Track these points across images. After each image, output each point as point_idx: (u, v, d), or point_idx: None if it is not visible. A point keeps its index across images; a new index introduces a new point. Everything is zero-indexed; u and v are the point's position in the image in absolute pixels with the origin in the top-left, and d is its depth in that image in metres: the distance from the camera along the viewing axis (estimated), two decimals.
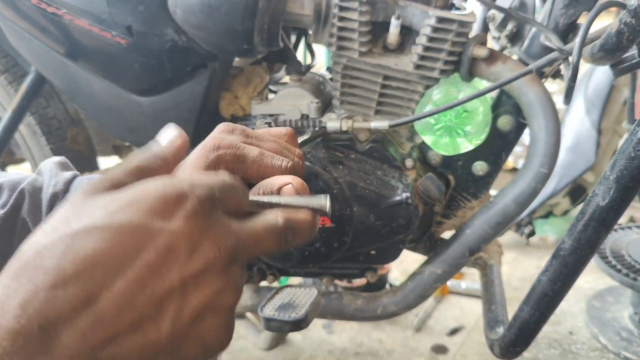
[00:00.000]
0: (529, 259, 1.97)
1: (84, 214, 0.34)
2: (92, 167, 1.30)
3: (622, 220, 2.02)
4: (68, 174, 0.60)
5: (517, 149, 2.12)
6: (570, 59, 0.72)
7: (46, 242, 0.33)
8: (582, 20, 0.83)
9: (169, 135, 0.44)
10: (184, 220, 0.35)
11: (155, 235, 0.34)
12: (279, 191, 0.50)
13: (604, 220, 0.62)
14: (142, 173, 0.39)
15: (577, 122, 1.83)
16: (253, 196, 0.45)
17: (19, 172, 0.62)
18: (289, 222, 0.41)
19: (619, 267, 1.44)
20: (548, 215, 2.05)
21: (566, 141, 1.86)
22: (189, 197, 0.35)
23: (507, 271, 1.87)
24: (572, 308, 1.66)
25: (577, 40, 0.68)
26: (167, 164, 0.42)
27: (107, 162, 1.48)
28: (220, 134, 0.55)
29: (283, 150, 0.56)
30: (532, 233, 2.06)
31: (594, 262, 1.50)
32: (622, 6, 0.72)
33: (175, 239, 0.34)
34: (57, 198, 0.57)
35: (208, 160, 0.52)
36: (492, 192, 1.03)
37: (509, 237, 2.07)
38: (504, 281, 1.74)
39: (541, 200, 1.93)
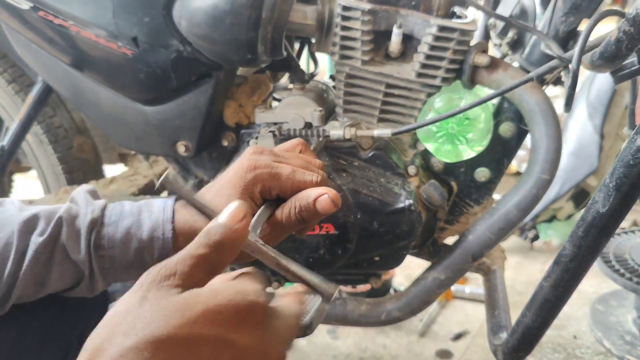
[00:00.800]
0: (533, 263, 1.98)
1: (162, 317, 0.38)
2: (98, 175, 1.32)
3: (626, 224, 2.02)
4: (101, 202, 0.63)
5: (521, 152, 2.14)
6: (570, 66, 0.73)
7: (130, 345, 0.36)
8: (583, 27, 0.84)
9: (232, 216, 0.46)
10: (254, 331, 0.40)
11: (230, 346, 0.39)
12: (315, 202, 0.57)
13: (605, 227, 0.62)
14: (209, 265, 0.43)
15: (579, 127, 1.84)
16: (281, 257, 0.50)
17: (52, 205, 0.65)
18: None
19: (622, 271, 1.44)
20: (552, 219, 2.06)
21: (569, 145, 1.86)
22: (256, 310, 0.41)
23: (511, 276, 1.88)
24: (576, 312, 1.66)
25: (577, 49, 0.69)
26: (229, 253, 0.45)
27: (113, 170, 1.49)
28: (253, 155, 0.61)
29: (308, 165, 0.63)
30: (535, 237, 2.07)
31: (597, 266, 1.50)
32: (621, 14, 0.73)
33: (247, 350, 0.40)
34: (95, 224, 0.60)
35: (246, 180, 0.59)
36: (496, 196, 1.04)
37: (512, 241, 2.07)
38: (508, 286, 1.74)
39: (544, 205, 1.93)
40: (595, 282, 1.78)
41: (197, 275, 0.42)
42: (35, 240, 0.58)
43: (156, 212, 0.62)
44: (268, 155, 0.62)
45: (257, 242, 0.50)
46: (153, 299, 0.39)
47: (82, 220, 0.60)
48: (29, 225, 0.59)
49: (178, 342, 0.37)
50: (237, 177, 0.60)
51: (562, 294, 0.70)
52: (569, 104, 0.72)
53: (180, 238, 0.61)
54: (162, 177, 0.48)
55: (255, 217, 0.59)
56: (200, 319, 0.38)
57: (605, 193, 0.61)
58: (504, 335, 0.88)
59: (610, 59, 0.76)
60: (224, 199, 0.59)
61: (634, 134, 0.58)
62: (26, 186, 2.14)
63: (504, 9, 1.07)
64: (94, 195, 0.65)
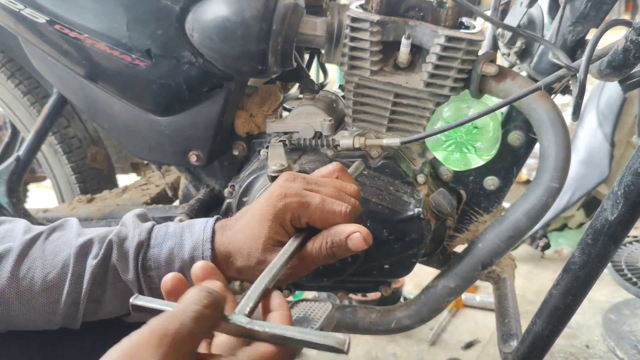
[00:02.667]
0: (544, 272, 1.97)
1: None
2: (112, 184, 1.34)
3: (638, 232, 2.01)
4: (148, 224, 0.67)
5: (531, 161, 2.15)
6: (577, 75, 0.73)
7: None
8: (591, 36, 0.85)
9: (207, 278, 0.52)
10: None
11: None
12: (347, 239, 0.59)
13: (613, 235, 0.63)
14: (210, 322, 0.45)
15: (590, 135, 1.84)
16: (275, 329, 0.49)
17: (109, 228, 0.69)
18: None
19: (634, 279, 1.44)
20: (563, 227, 2.05)
21: (579, 154, 1.86)
22: None
23: (522, 284, 1.87)
24: (588, 321, 1.65)
25: (584, 58, 0.70)
26: (221, 309, 0.47)
27: (126, 179, 1.51)
28: (285, 183, 0.63)
29: (340, 193, 0.64)
30: (547, 246, 2.06)
31: (609, 275, 1.50)
32: (628, 24, 0.73)
33: None
34: (142, 246, 0.65)
35: (276, 208, 0.61)
36: (506, 204, 1.04)
37: (523, 250, 2.06)
38: (518, 295, 1.74)
39: (555, 213, 1.93)
40: (608, 290, 1.77)
41: (201, 330, 0.43)
42: (91, 263, 0.63)
43: (197, 232, 0.65)
44: (300, 182, 0.63)
45: (244, 324, 0.49)
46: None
47: (130, 242, 0.64)
48: (84, 250, 0.64)
49: None
50: (268, 205, 0.61)
51: (572, 301, 0.70)
52: (576, 112, 0.73)
53: (219, 258, 0.64)
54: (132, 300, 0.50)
55: (284, 248, 0.60)
56: None
57: (613, 201, 0.61)
58: (514, 344, 0.88)
59: (618, 68, 0.76)
60: (256, 225, 0.62)
61: None
62: (40, 195, 2.16)
63: (512, 19, 1.08)
64: (143, 218, 0.69)
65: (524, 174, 2.41)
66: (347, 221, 0.61)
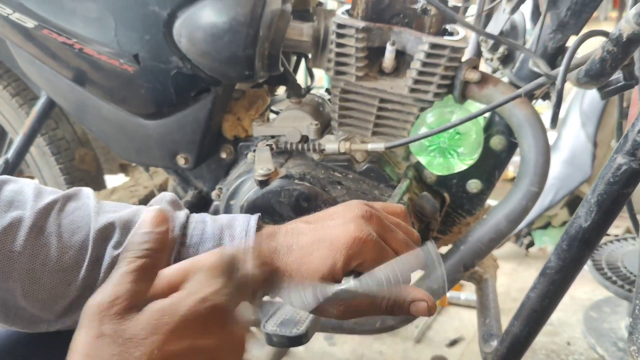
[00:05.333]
0: (528, 269, 2.00)
1: (132, 350, 0.38)
2: (100, 185, 1.34)
3: (619, 231, 2.05)
4: (182, 217, 0.61)
5: (517, 158, 2.19)
6: (555, 85, 0.76)
7: None
8: (571, 43, 0.87)
9: (150, 222, 0.46)
10: (219, 331, 0.43)
11: (202, 351, 0.41)
12: (410, 304, 0.55)
13: (587, 241, 0.65)
14: (145, 275, 0.43)
15: (573, 136, 1.87)
16: None
17: (125, 205, 0.63)
18: None
19: (614, 278, 1.47)
20: (547, 226, 2.08)
21: (563, 154, 1.89)
22: (216, 313, 0.42)
23: (506, 282, 1.90)
24: (569, 319, 1.69)
25: (561, 69, 0.72)
26: (160, 256, 0.45)
27: (114, 180, 1.52)
28: (364, 224, 0.57)
29: (408, 242, 0.60)
30: (531, 244, 2.09)
31: (590, 274, 1.53)
32: (605, 34, 0.76)
33: (218, 348, 0.42)
34: (174, 242, 0.59)
35: (350, 251, 0.56)
36: (493, 202, 1.06)
37: (508, 248, 2.09)
38: (502, 292, 1.77)
39: (539, 212, 1.96)
40: (589, 288, 1.80)
41: (140, 287, 0.42)
42: (111, 252, 0.58)
43: (237, 236, 0.60)
44: (376, 224, 0.59)
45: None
46: (112, 333, 0.39)
47: None
48: (104, 234, 0.58)
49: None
50: (341, 244, 0.57)
51: (549, 304, 0.72)
52: (554, 121, 0.75)
53: (257, 267, 0.58)
54: None
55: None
56: (168, 338, 0.39)
57: (587, 208, 0.64)
58: (494, 344, 0.90)
59: (595, 77, 0.79)
60: (320, 256, 0.57)
61: (614, 153, 0.61)
62: None
63: (495, 25, 1.10)
64: (176, 205, 0.62)
65: (511, 171, 2.44)
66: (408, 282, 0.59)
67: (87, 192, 0.62)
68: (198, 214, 0.63)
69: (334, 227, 0.58)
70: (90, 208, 0.60)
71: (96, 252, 0.57)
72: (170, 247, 0.48)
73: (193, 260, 0.46)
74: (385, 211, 0.64)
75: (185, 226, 0.60)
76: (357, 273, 0.58)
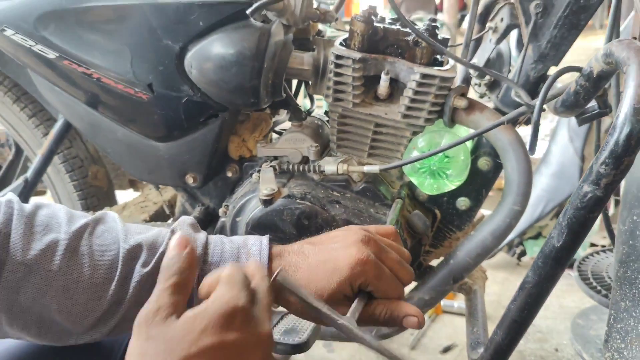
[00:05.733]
0: (519, 279, 2.05)
1: (175, 345, 0.49)
2: (111, 200, 1.42)
3: (606, 242, 2.12)
4: (202, 238, 0.68)
5: None
6: (532, 117, 0.83)
7: None
8: (552, 72, 0.94)
9: (179, 247, 0.57)
10: (242, 327, 0.52)
11: (230, 345, 0.51)
12: (404, 318, 0.66)
13: (560, 259, 0.72)
14: (181, 288, 0.54)
15: (561, 150, 1.95)
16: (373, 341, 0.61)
17: (147, 227, 0.70)
18: None
19: (599, 288, 1.54)
20: (538, 236, 2.16)
21: (552, 167, 1.97)
22: (238, 312, 0.52)
23: (498, 291, 1.98)
24: (558, 326, 1.76)
25: (537, 103, 0.80)
26: (190, 273, 0.57)
27: (124, 195, 1.59)
28: (363, 247, 0.67)
29: (401, 262, 0.71)
30: (523, 253, 2.17)
31: (576, 284, 1.60)
32: (579, 70, 0.84)
33: (243, 342, 0.52)
34: (199, 260, 0.67)
35: (354, 271, 0.65)
36: (486, 212, 1.13)
37: (500, 257, 2.17)
38: (494, 300, 1.84)
39: (530, 223, 2.04)
40: (577, 297, 1.88)
41: (177, 299, 0.53)
42: (140, 270, 0.65)
43: (253, 255, 0.68)
44: (373, 247, 0.68)
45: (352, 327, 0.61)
46: (157, 335, 0.50)
47: None
48: (133, 254, 0.65)
49: (195, 358, 0.49)
50: (345, 265, 0.65)
51: (527, 315, 0.80)
52: (532, 148, 0.82)
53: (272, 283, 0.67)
54: (276, 274, 0.61)
55: (353, 306, 0.66)
56: (202, 335, 0.50)
57: (559, 230, 0.71)
58: (480, 350, 0.97)
59: (571, 107, 0.87)
60: (327, 274, 0.66)
61: (581, 182, 0.68)
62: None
63: (483, 53, 1.18)
64: (195, 228, 0.70)
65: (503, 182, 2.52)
66: (402, 297, 0.69)
67: (113, 216, 0.70)
68: (215, 235, 0.71)
69: (338, 250, 0.67)
70: (118, 230, 0.67)
71: (125, 270, 0.65)
72: (196, 264, 0.58)
73: (215, 273, 0.57)
74: (378, 233, 0.73)
75: (205, 246, 0.68)
76: (359, 291, 0.67)
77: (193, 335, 0.49)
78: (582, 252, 1.96)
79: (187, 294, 0.55)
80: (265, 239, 0.70)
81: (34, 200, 1.68)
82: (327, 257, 0.67)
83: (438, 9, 7.68)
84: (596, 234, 2.12)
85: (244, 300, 0.53)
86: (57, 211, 0.67)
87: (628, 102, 0.63)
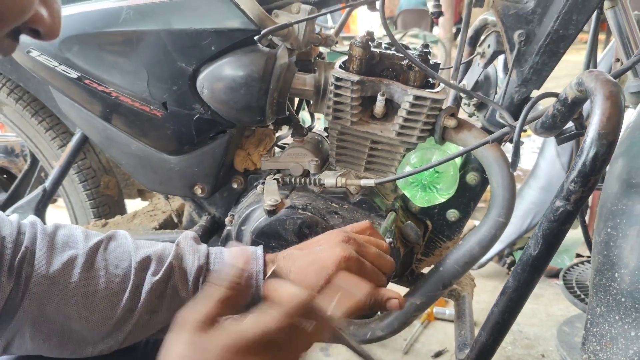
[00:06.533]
0: None
1: (214, 356, 0.50)
2: (121, 209, 1.49)
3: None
4: (204, 249, 0.77)
5: None
6: (513, 138, 0.92)
7: None
8: (534, 95, 1.03)
9: (244, 262, 0.62)
10: (269, 351, 0.52)
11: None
12: (387, 301, 0.74)
13: (536, 267, 0.81)
14: (232, 304, 0.56)
15: (549, 165, 2.04)
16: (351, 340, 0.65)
17: (154, 243, 0.78)
18: None
19: (582, 296, 1.62)
20: None
21: (540, 181, 2.06)
22: (265, 338, 0.52)
23: (487, 299, 2.05)
24: (545, 333, 1.84)
25: (517, 126, 0.88)
26: (245, 293, 0.58)
27: (132, 204, 1.67)
28: (345, 245, 0.76)
29: (380, 253, 0.79)
30: (512, 263, 2.25)
31: (562, 293, 1.68)
32: (555, 95, 0.92)
33: None
34: (202, 269, 0.75)
35: (340, 268, 0.73)
36: (476, 222, 1.22)
37: (491, 267, 2.25)
38: (484, 308, 1.92)
39: (519, 234, 2.12)
40: (563, 305, 1.96)
41: (225, 312, 0.54)
42: (150, 279, 0.73)
43: (251, 263, 0.76)
44: (353, 244, 0.77)
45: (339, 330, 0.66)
46: (198, 342, 0.51)
47: (190, 265, 0.76)
48: (143, 265, 0.74)
49: None
50: (331, 263, 0.73)
51: (508, 317, 0.88)
52: (514, 166, 0.91)
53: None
54: (270, 272, 0.64)
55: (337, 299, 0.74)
56: (239, 350, 0.51)
57: (535, 241, 0.79)
58: (467, 351, 1.05)
59: (549, 129, 0.95)
60: (314, 274, 0.74)
61: (554, 198, 0.77)
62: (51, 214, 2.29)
63: (472, 75, 1.26)
64: (197, 241, 0.80)
65: None
66: (383, 285, 0.78)
67: (123, 233, 0.80)
68: (213, 247, 0.81)
69: (323, 251, 0.77)
70: (129, 245, 0.77)
71: (137, 279, 0.74)
72: (250, 285, 0.60)
73: (289, 285, 0.58)
74: (355, 231, 0.84)
75: (207, 255, 0.78)
76: None
77: (232, 349, 0.50)
78: (568, 262, 2.04)
79: (234, 310, 0.55)
80: (259, 248, 0.79)
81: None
82: (314, 258, 0.76)
83: (434, 22, 7.81)
84: (582, 245, 2.21)
85: (278, 336, 0.53)
86: (74, 230, 0.76)
87: (594, 128, 0.72)
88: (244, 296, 0.56)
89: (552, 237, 0.78)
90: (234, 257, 0.78)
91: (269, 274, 0.72)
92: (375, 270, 0.78)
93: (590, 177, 0.73)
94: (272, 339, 0.52)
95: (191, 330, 0.52)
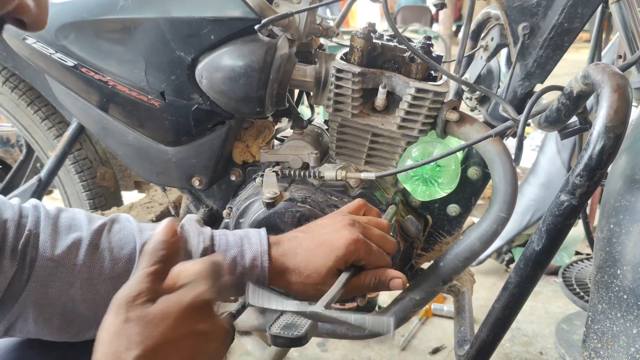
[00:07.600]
0: None
1: (151, 329, 0.53)
2: (117, 200, 1.47)
3: (590, 250, 2.20)
4: (208, 231, 0.78)
5: None
6: (517, 131, 0.90)
7: (136, 355, 0.52)
8: (538, 89, 1.01)
9: (167, 232, 0.61)
10: (209, 318, 0.58)
11: (199, 333, 0.56)
12: (390, 281, 0.77)
13: (539, 262, 0.79)
14: (161, 275, 0.58)
15: (549, 161, 2.03)
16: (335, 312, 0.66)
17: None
18: None
19: (582, 294, 1.62)
20: (526, 244, 2.23)
21: (540, 178, 2.05)
22: (206, 305, 0.58)
23: (486, 296, 2.05)
24: (543, 330, 1.83)
25: (522, 119, 0.87)
26: (172, 262, 0.60)
27: (129, 196, 1.65)
28: (352, 229, 0.78)
29: (383, 235, 0.82)
30: (511, 260, 2.24)
31: (561, 290, 1.68)
32: (560, 89, 0.91)
33: (211, 331, 0.57)
34: (207, 251, 0.76)
35: (348, 249, 0.76)
36: (475, 219, 1.20)
37: (489, 264, 2.24)
38: (483, 305, 1.91)
39: (518, 231, 2.11)
40: (562, 303, 1.95)
41: (156, 286, 0.57)
42: None
43: (254, 244, 0.77)
44: (358, 228, 0.79)
45: (324, 312, 0.67)
46: (135, 318, 0.54)
47: (196, 247, 0.76)
48: None
49: (168, 343, 0.53)
50: (341, 245, 0.76)
51: (510, 313, 0.87)
52: (517, 160, 0.89)
53: (273, 268, 0.77)
54: (248, 286, 0.66)
55: (340, 278, 0.75)
56: (175, 322, 0.54)
57: (539, 235, 0.78)
58: (467, 347, 1.04)
59: (553, 122, 0.94)
60: (324, 254, 0.76)
61: (559, 192, 0.75)
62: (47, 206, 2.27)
63: (474, 69, 1.25)
64: (201, 224, 0.80)
65: None
66: (388, 266, 0.80)
67: (126, 216, 0.80)
68: (218, 230, 0.80)
69: (330, 234, 0.78)
70: (134, 228, 0.75)
71: None
72: (180, 254, 0.62)
73: (191, 263, 0.60)
74: (350, 211, 0.85)
75: (212, 238, 0.77)
76: (355, 267, 0.78)
77: (168, 320, 0.54)
78: (567, 260, 2.03)
79: (163, 281, 0.59)
80: (262, 230, 0.80)
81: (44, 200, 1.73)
82: (321, 240, 0.77)
83: (434, 18, 7.79)
84: (581, 242, 2.20)
85: (214, 295, 0.58)
86: (77, 213, 0.76)
87: (601, 121, 0.70)
88: (173, 263, 0.59)
89: (556, 232, 0.76)
90: (238, 238, 0.79)
91: (248, 285, 0.71)
92: (381, 251, 0.80)
93: (597, 171, 0.72)
94: (205, 306, 0.56)
95: (126, 306, 0.54)
